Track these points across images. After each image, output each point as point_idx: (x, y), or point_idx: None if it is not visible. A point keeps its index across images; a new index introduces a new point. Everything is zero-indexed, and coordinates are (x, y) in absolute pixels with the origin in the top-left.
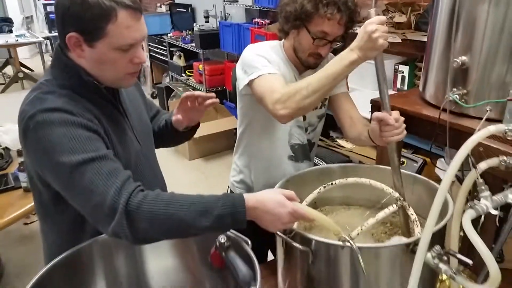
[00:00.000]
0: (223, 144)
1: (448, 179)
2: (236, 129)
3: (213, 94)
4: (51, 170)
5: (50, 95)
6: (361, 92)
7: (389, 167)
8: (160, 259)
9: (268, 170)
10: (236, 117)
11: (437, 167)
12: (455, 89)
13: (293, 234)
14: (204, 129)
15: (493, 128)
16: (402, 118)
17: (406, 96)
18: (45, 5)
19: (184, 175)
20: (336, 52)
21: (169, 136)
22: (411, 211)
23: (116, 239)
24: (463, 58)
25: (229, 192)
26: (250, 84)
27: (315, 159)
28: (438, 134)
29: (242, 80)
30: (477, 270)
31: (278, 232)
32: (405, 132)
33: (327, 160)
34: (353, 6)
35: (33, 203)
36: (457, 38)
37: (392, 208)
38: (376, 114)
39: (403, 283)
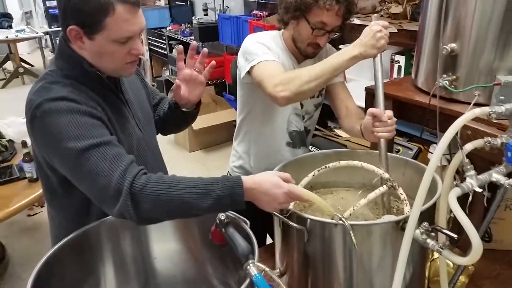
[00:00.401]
0: (223, 136)
1: (436, 159)
2: (235, 120)
3: (205, 50)
4: (58, 156)
5: (55, 84)
6: (358, 82)
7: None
8: (163, 241)
9: (267, 156)
10: (236, 109)
11: (430, 152)
12: (445, 75)
13: (289, 214)
14: (204, 121)
15: (478, 111)
16: (395, 119)
17: (399, 84)
18: (44, 0)
19: (185, 167)
20: (333, 42)
21: (174, 119)
22: (400, 191)
23: (122, 220)
24: (452, 45)
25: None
26: (250, 70)
27: (312, 148)
28: (429, 119)
29: (243, 68)
30: (466, 249)
31: (275, 212)
32: (394, 131)
33: (322, 149)
34: None
35: (37, 193)
36: (446, 25)
37: (383, 188)
38: (371, 110)
39: (394, 258)
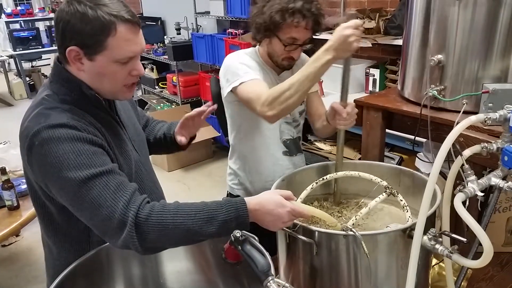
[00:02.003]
0: (201, 153)
1: (438, 166)
2: (213, 138)
3: (209, 103)
4: (58, 185)
5: (53, 110)
6: (334, 96)
7: (378, 162)
8: (174, 261)
9: (266, 169)
10: (213, 126)
11: (420, 159)
12: (433, 86)
13: (297, 228)
14: None
15: (474, 118)
16: (355, 111)
17: (385, 96)
18: (7, 23)
19: (165, 187)
20: (307, 52)
21: (166, 148)
22: (400, 197)
23: None
24: (439, 56)
25: (228, 195)
26: (234, 90)
27: None
28: (420, 128)
29: (225, 88)
30: (464, 251)
31: None
32: (353, 123)
33: (307, 162)
34: (317, 11)
35: (19, 221)
36: (431, 38)
37: (382, 196)
38: (334, 105)
39: (400, 266)
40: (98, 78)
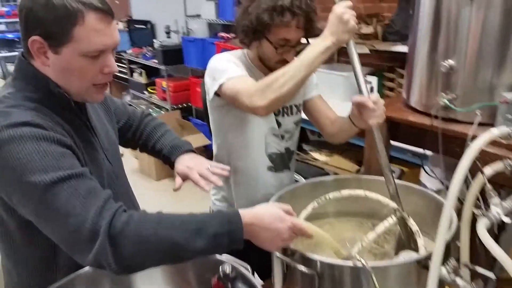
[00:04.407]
0: None
1: (456, 189)
2: (204, 146)
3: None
4: (20, 192)
5: (15, 108)
6: (331, 104)
7: (382, 178)
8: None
9: (248, 183)
10: (204, 133)
11: (426, 172)
12: (443, 94)
13: (294, 254)
14: None
15: (496, 132)
16: (382, 101)
17: (390, 104)
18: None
19: (153, 197)
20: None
21: (157, 159)
22: (411, 222)
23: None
24: (451, 61)
25: (210, 212)
26: (220, 88)
27: None
28: (430, 141)
29: (211, 87)
30: (473, 278)
31: (277, 254)
32: (384, 115)
33: (302, 174)
34: (308, 7)
35: None
36: (440, 41)
37: (391, 220)
38: (355, 98)
39: None
40: (64, 74)
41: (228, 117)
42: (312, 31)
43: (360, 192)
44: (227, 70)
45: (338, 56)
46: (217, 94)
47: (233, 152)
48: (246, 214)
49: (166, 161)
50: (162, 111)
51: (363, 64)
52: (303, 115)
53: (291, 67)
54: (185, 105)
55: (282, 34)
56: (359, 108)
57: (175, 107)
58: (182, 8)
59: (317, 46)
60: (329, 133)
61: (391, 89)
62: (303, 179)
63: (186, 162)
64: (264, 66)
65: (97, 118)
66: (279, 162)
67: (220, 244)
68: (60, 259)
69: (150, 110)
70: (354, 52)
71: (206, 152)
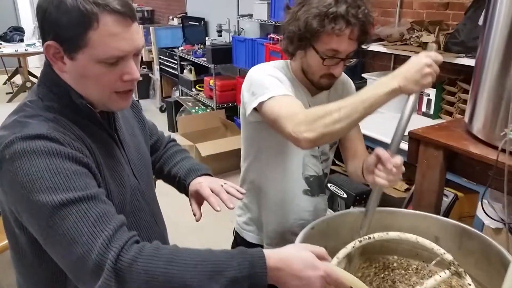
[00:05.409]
0: (232, 163)
1: None
2: None
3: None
4: (27, 211)
5: (33, 119)
6: (382, 115)
7: (434, 215)
8: None
9: (280, 207)
10: None
11: (484, 211)
12: None
13: None
14: (213, 147)
15: None
16: (403, 169)
17: (448, 129)
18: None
19: (182, 200)
20: (354, 70)
21: (174, 187)
22: (468, 280)
23: None
24: None
25: (234, 234)
26: (259, 107)
27: (332, 187)
28: (494, 178)
29: (249, 104)
30: None
31: None
32: (398, 181)
33: (344, 188)
34: (365, 17)
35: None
36: None
37: (445, 274)
38: (379, 151)
39: None
40: (81, 81)
41: (265, 133)
42: (365, 44)
43: (410, 236)
44: (269, 86)
45: (394, 63)
46: (255, 109)
47: (265, 173)
48: (272, 256)
49: (181, 186)
50: (207, 109)
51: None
52: None
53: (348, 103)
54: (230, 104)
55: (332, 44)
56: (378, 161)
57: (221, 106)
58: (235, 7)
59: (382, 86)
60: (346, 165)
61: (451, 104)
62: (343, 202)
63: (199, 180)
64: (306, 80)
65: (128, 130)
66: (316, 185)
67: None
68: (71, 283)
69: (196, 107)
70: (412, 106)
71: None
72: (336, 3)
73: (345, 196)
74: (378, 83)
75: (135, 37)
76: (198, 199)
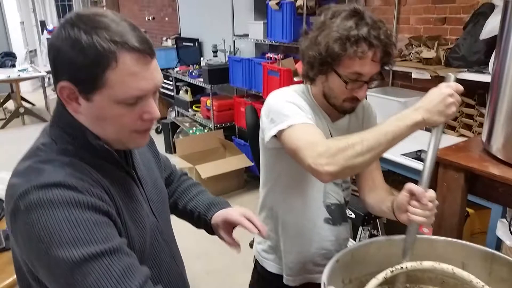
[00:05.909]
0: (233, 184)
1: None
2: (247, 168)
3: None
4: (45, 266)
5: (49, 164)
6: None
7: (468, 242)
8: None
9: (301, 236)
10: (246, 154)
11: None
12: None
13: None
14: (213, 169)
15: None
16: (436, 202)
17: (466, 149)
18: (48, 39)
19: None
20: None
21: (193, 224)
22: None
23: None
24: None
25: (255, 262)
26: (279, 134)
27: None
28: None
29: (268, 131)
30: None
31: None
32: (433, 218)
33: (352, 207)
34: (387, 39)
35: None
36: None
37: None
38: (410, 186)
39: None
40: (99, 123)
41: (284, 160)
42: (388, 66)
43: (446, 266)
44: (288, 114)
45: (393, 79)
46: (275, 135)
47: (285, 200)
48: None
49: (201, 221)
50: (205, 130)
51: (423, 89)
52: None
53: (370, 135)
54: (228, 124)
55: (355, 67)
56: (410, 197)
57: (219, 126)
58: (230, 28)
59: (405, 118)
60: (364, 198)
61: (454, 118)
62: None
63: (221, 212)
64: (328, 105)
65: (145, 165)
66: (338, 214)
67: None
68: None
69: (194, 128)
70: (438, 138)
71: (247, 173)
72: (357, 26)
73: (353, 216)
74: (400, 116)
75: (155, 75)
76: (227, 228)
